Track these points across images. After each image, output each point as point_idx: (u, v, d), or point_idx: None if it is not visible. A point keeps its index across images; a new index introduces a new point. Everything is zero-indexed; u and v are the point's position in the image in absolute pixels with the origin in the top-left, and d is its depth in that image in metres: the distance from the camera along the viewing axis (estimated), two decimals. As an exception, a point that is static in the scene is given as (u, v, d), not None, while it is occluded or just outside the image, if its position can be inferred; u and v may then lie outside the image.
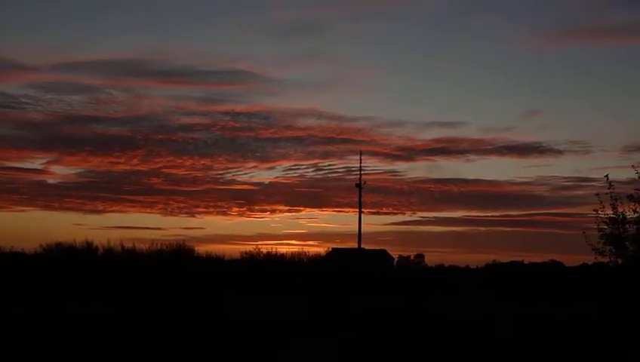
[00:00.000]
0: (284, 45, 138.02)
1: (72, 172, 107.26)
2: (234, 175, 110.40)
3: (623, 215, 22.44)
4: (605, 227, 22.63)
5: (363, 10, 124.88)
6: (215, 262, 48.99)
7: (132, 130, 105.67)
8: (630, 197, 22.38)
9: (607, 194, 22.59)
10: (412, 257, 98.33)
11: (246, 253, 53.96)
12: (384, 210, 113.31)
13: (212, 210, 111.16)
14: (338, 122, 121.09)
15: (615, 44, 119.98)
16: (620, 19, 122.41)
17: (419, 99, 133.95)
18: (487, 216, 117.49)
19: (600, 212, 22.77)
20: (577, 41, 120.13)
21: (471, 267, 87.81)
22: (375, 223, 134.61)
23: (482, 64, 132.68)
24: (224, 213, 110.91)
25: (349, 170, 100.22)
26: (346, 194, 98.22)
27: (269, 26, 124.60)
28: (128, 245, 47.05)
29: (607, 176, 22.69)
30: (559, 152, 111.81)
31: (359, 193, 72.62)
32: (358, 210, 73.03)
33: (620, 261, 23.02)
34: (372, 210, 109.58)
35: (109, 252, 46.27)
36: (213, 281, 40.11)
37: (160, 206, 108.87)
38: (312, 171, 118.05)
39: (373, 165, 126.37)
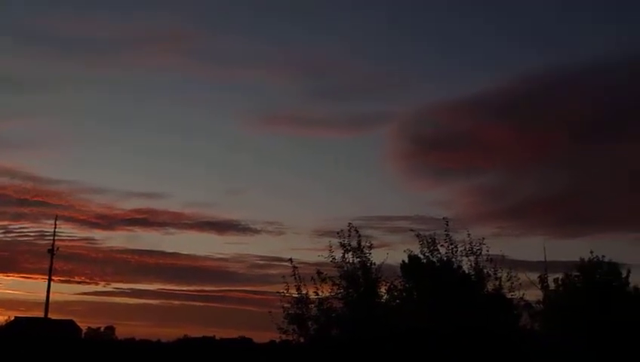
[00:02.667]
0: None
1: None
2: None
3: (306, 295, 23.72)
4: (289, 306, 23.71)
5: (72, 71, 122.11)
6: None
7: None
8: (319, 274, 23.66)
9: (292, 276, 23.77)
10: (102, 329, 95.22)
11: None
12: (76, 279, 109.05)
13: None
14: (34, 183, 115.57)
15: (312, 134, 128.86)
16: (318, 112, 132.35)
17: (123, 168, 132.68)
18: (183, 291, 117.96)
19: (286, 292, 23.81)
20: (279, 129, 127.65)
21: (163, 341, 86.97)
22: (65, 292, 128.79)
23: (191, 139, 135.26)
24: None
25: (42, 235, 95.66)
26: (36, 260, 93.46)
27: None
28: None
29: (290, 259, 23.88)
30: (256, 231, 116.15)
31: (51, 259, 69.24)
32: (48, 277, 69.46)
33: (302, 340, 24.06)
34: (63, 278, 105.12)
35: None
36: None
37: None
38: (1, 233, 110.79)
39: (69, 231, 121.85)
